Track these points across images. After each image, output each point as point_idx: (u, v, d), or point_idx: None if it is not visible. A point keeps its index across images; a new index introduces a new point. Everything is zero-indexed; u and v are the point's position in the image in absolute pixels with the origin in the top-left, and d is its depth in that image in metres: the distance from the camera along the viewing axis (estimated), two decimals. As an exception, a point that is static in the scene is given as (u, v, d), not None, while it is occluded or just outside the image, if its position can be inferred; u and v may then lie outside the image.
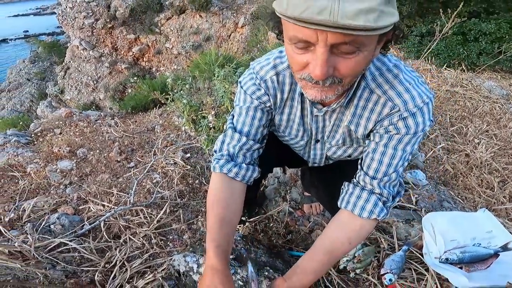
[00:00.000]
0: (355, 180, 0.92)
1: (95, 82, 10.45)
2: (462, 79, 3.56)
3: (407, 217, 1.55)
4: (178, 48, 10.25)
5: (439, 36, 3.46)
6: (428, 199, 1.70)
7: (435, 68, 3.88)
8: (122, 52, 10.78)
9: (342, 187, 0.93)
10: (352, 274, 1.35)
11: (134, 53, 10.75)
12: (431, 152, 2.19)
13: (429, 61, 4.03)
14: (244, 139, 0.91)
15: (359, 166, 0.91)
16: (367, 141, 0.90)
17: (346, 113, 0.87)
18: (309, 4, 0.53)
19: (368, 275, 1.33)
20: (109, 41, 10.68)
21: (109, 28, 10.55)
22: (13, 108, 13.23)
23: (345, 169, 1.02)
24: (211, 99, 1.93)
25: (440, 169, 2.06)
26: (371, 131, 0.87)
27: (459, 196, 1.87)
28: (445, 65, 4.02)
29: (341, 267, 1.36)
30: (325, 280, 1.29)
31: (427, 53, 3.80)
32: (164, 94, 2.37)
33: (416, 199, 1.67)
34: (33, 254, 1.39)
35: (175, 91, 2.31)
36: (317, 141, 1.00)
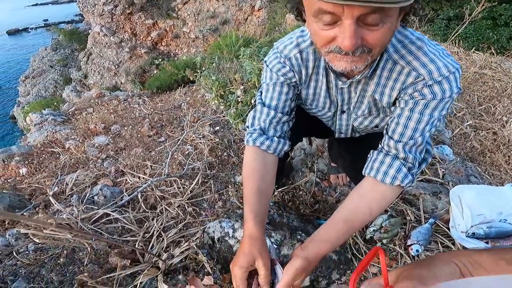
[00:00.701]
0: (380, 146, 0.91)
1: (116, 66, 10.70)
2: (491, 62, 3.46)
3: (434, 190, 1.57)
4: (195, 32, 10.27)
5: (468, 19, 3.38)
6: (455, 174, 1.71)
7: (462, 51, 3.77)
8: (141, 37, 10.93)
9: (368, 155, 0.93)
10: (378, 244, 1.38)
11: (152, 38, 10.87)
12: (458, 129, 2.18)
13: (456, 44, 3.92)
14: (272, 112, 0.96)
15: (384, 132, 0.91)
16: (393, 109, 0.91)
17: (370, 84, 0.89)
18: None
19: (395, 245, 1.36)
20: (128, 26, 10.82)
21: (128, 14, 10.66)
22: (38, 94, 13.73)
23: (373, 142, 1.03)
24: (239, 76, 1.99)
25: (467, 145, 2.05)
26: (396, 99, 0.88)
27: (486, 173, 1.86)
28: (473, 48, 3.91)
29: (367, 236, 1.39)
30: (353, 248, 1.35)
31: (454, 36, 3.71)
32: (192, 72, 2.46)
33: (443, 173, 1.69)
34: (80, 226, 1.49)
35: (203, 69, 2.38)
36: (343, 111, 1.03)
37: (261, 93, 1.01)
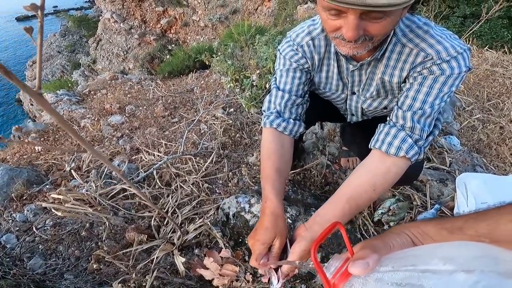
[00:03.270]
0: (388, 119, 0.93)
1: (125, 52, 10.77)
2: (503, 60, 3.46)
3: (441, 177, 1.62)
4: (204, 21, 10.28)
5: (485, 17, 3.40)
6: (462, 163, 1.75)
7: (476, 49, 3.78)
8: (151, 24, 10.97)
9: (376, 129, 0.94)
10: (386, 226, 1.43)
11: (162, 25, 10.90)
12: (466, 122, 2.21)
13: (470, 42, 3.93)
14: (287, 95, 1.02)
15: (393, 106, 0.93)
16: (402, 85, 0.93)
17: (379, 66, 0.93)
18: None
19: (401, 228, 1.41)
20: (138, 13, 10.85)
21: (139, 0, 10.68)
22: (45, 78, 13.82)
23: None
24: (254, 62, 2.04)
25: (475, 138, 2.09)
26: (407, 78, 0.91)
27: (491, 164, 1.90)
28: (487, 46, 3.92)
29: (375, 219, 1.44)
30: (361, 229, 1.40)
31: (468, 34, 3.72)
32: (210, 56, 2.53)
33: (450, 161, 1.73)
34: (98, 201, 1.54)
35: (219, 53, 2.44)
36: (353, 93, 1.08)
37: (276, 79, 1.07)
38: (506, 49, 3.91)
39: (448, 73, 0.82)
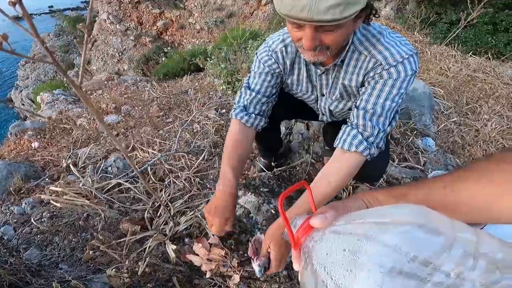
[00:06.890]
0: (347, 119, 1.06)
1: (120, 54, 10.82)
2: (486, 66, 3.62)
3: (415, 175, 1.75)
4: (201, 24, 10.39)
5: (463, 24, 3.58)
6: (435, 163, 1.89)
7: (460, 54, 3.94)
8: (147, 26, 11.04)
9: None
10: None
11: (158, 27, 10.98)
12: (443, 125, 2.36)
13: (454, 48, 4.10)
14: (253, 94, 1.17)
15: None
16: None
17: (341, 72, 1.07)
18: (294, 4, 0.76)
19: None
20: (135, 15, 10.92)
21: (136, 2, 10.77)
22: (37, 78, 13.77)
23: None
24: (246, 65, 2.16)
25: (450, 140, 2.24)
26: (363, 83, 1.05)
27: (464, 164, 2.04)
28: (471, 52, 4.09)
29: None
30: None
31: (450, 38, 3.90)
32: (204, 59, 2.64)
33: (424, 161, 1.86)
34: (94, 194, 1.64)
35: (212, 57, 2.56)
36: (322, 95, 1.22)
37: (249, 78, 1.21)
38: (489, 55, 4.08)
39: (395, 76, 0.95)
